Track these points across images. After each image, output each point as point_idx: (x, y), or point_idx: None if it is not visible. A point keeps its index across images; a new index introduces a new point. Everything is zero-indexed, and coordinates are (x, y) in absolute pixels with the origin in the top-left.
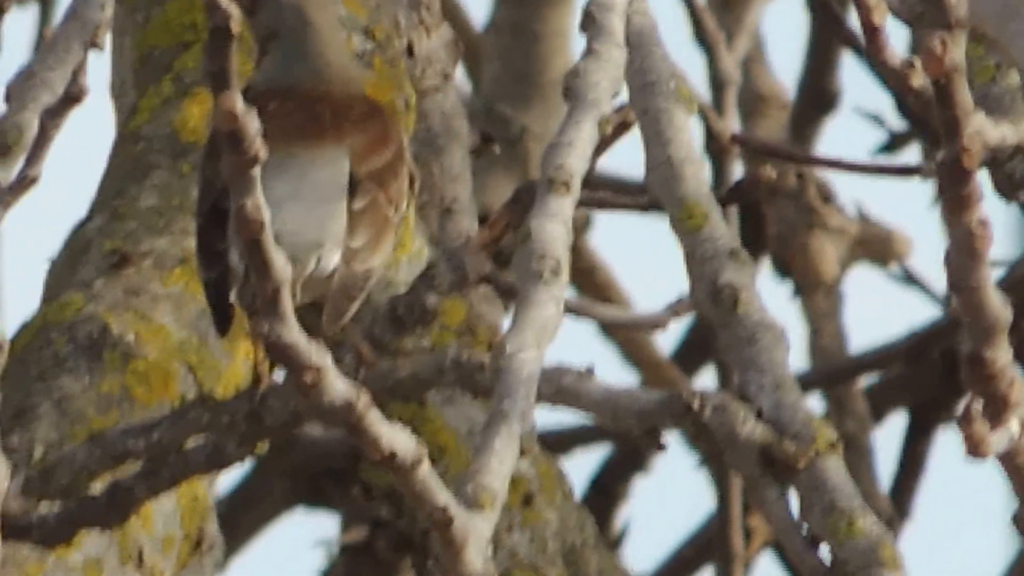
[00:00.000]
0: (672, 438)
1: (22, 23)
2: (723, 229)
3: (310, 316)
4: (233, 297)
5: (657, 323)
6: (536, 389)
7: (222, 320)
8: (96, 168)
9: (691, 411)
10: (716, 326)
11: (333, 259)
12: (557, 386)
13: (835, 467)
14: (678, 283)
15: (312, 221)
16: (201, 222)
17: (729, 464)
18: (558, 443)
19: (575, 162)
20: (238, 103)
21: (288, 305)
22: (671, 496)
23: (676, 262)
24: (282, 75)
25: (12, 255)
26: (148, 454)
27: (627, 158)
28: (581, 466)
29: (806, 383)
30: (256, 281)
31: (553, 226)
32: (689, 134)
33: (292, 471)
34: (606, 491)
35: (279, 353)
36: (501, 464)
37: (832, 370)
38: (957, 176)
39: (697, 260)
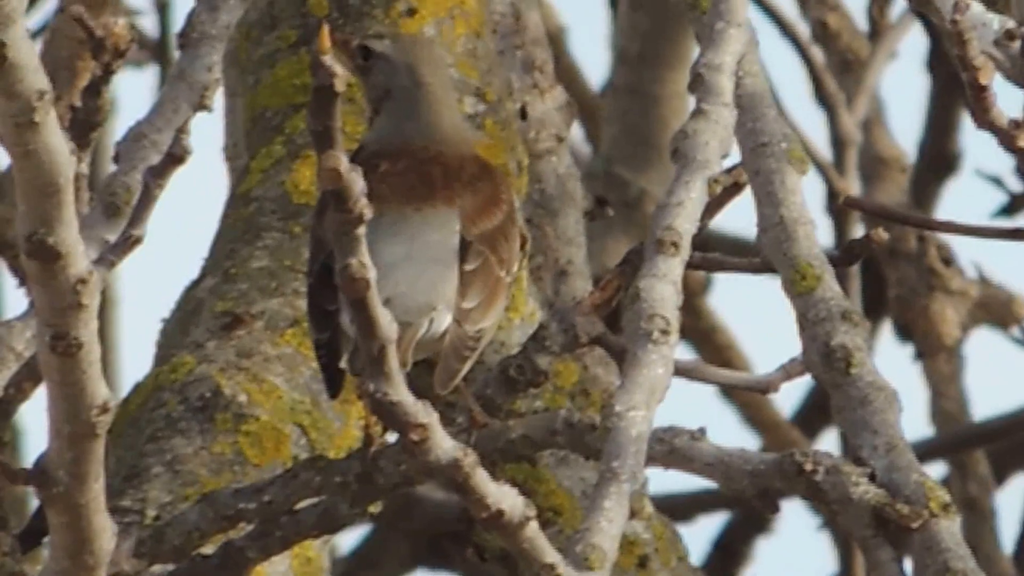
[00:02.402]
0: (796, 500)
1: (140, 84)
2: (836, 290)
3: (421, 376)
4: (344, 362)
5: (769, 385)
6: (647, 449)
7: (333, 382)
8: (209, 228)
9: (804, 473)
10: (829, 388)
11: (445, 320)
12: (669, 447)
13: (948, 529)
14: (792, 344)
15: (424, 282)
16: (312, 282)
17: (843, 526)
18: (679, 509)
19: (684, 223)
20: (342, 162)
21: (394, 364)
22: (795, 558)
23: (790, 322)
24: (393, 135)
25: (125, 316)
26: (260, 515)
27: (740, 218)
28: (704, 527)
29: (930, 451)
30: (362, 340)
31: (662, 286)
32: (801, 195)
33: (412, 533)
34: (730, 552)
35: (385, 411)
36: (611, 524)
37: (956, 438)
38: None
39: (810, 322)
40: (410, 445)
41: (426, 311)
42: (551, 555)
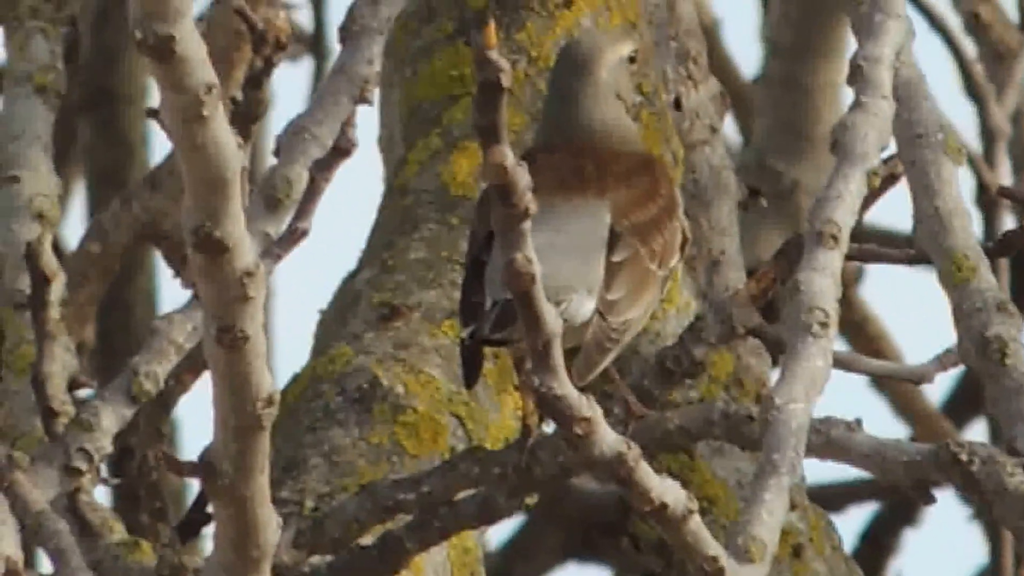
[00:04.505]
0: (944, 491)
1: (296, 77)
2: (991, 282)
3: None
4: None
5: (923, 376)
6: (805, 441)
7: (471, 372)
8: (364, 220)
9: (959, 463)
10: (984, 378)
11: (586, 306)
12: (826, 438)
13: None
14: (946, 334)
15: (566, 267)
16: (466, 275)
17: (997, 516)
18: (831, 500)
19: (843, 215)
20: (508, 157)
21: (559, 357)
22: (943, 549)
23: (944, 313)
24: (550, 131)
25: (283, 307)
26: (418, 506)
27: (895, 209)
28: (853, 519)
29: None
30: (527, 334)
31: (822, 279)
32: (957, 186)
33: (565, 524)
34: (877, 544)
35: (550, 405)
36: (771, 516)
37: None
38: None
39: (965, 313)
40: (574, 439)
41: (565, 293)
42: (713, 547)
